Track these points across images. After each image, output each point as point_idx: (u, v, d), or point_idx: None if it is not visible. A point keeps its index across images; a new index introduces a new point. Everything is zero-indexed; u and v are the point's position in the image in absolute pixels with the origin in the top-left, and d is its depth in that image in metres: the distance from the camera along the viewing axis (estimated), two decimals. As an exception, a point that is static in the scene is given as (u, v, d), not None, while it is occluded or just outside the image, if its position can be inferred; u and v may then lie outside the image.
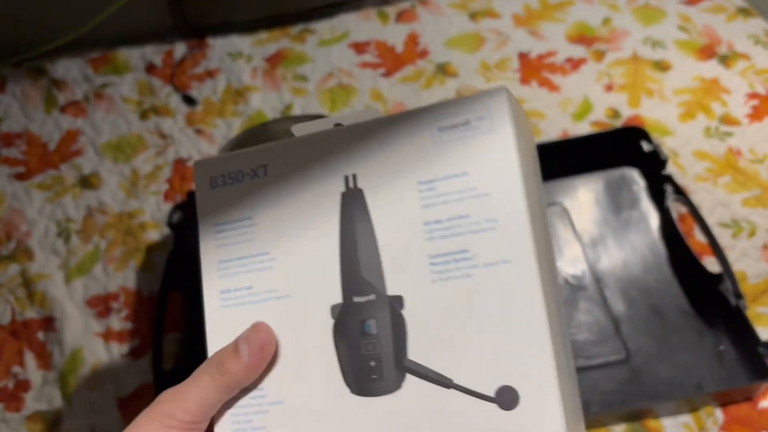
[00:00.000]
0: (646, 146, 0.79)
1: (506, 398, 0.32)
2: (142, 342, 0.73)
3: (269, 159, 0.38)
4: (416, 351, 0.34)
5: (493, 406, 0.32)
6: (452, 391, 0.33)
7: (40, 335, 0.75)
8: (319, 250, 0.36)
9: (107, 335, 0.74)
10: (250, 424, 0.37)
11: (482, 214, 0.33)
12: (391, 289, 0.35)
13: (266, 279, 0.37)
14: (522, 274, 0.32)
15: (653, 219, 0.76)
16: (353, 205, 0.36)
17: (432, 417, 0.33)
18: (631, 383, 0.65)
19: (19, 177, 0.90)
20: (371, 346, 0.35)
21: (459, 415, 0.32)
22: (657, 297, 0.70)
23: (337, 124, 0.38)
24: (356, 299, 0.35)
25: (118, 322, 0.75)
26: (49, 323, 0.75)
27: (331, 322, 0.36)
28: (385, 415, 0.34)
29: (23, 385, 0.71)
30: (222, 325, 0.38)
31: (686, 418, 0.63)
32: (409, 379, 0.34)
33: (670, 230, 0.74)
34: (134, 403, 0.69)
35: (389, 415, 0.34)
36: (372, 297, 0.35)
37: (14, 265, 0.81)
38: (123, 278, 0.79)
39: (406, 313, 0.34)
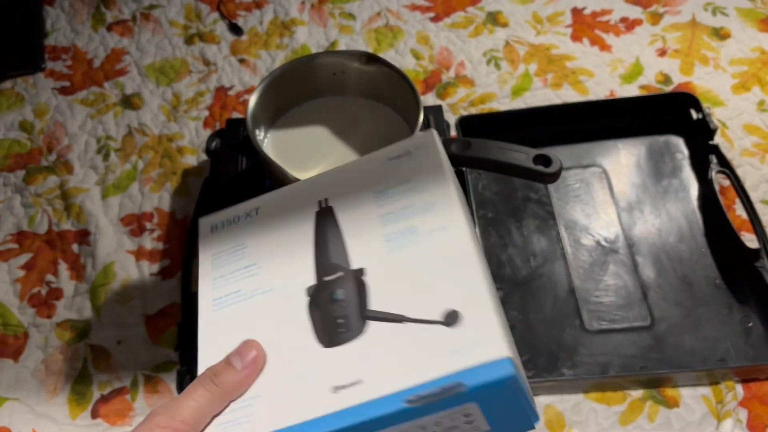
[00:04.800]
0: (694, 114, 0.77)
1: (450, 318, 0.39)
2: (171, 263, 0.74)
3: (261, 204, 0.50)
4: (376, 304, 0.41)
5: (441, 327, 0.39)
6: (406, 324, 0.40)
7: (75, 247, 0.77)
8: (296, 252, 0.45)
9: (139, 253, 0.75)
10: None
11: (423, 201, 0.44)
12: (355, 265, 0.43)
13: (252, 281, 0.45)
14: (456, 233, 0.42)
15: (693, 189, 0.75)
16: (325, 218, 0.46)
17: (392, 348, 0.39)
18: (653, 350, 0.65)
19: (63, 91, 0.91)
20: (340, 308, 0.42)
21: (413, 340, 0.39)
22: (688, 267, 0.69)
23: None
24: (326, 278, 0.44)
25: (150, 241, 0.76)
26: (83, 236, 0.77)
27: (306, 300, 0.43)
28: (352, 356, 0.40)
29: (56, 293, 0.73)
30: (213, 325, 0.45)
31: (705, 390, 0.63)
32: (370, 324, 0.41)
33: (710, 201, 0.73)
34: (160, 321, 0.70)
35: (356, 355, 0.40)
36: (340, 273, 0.44)
37: (53, 176, 0.82)
38: (158, 200, 0.80)
39: (368, 278, 0.43)
